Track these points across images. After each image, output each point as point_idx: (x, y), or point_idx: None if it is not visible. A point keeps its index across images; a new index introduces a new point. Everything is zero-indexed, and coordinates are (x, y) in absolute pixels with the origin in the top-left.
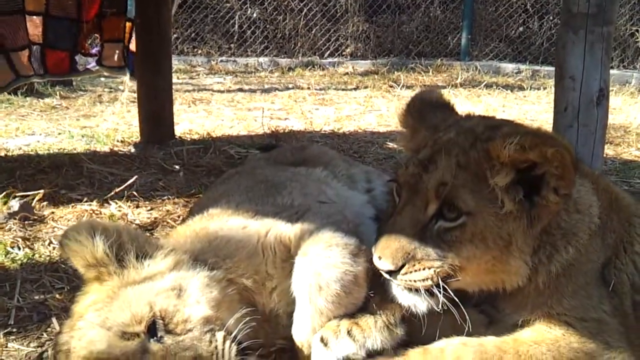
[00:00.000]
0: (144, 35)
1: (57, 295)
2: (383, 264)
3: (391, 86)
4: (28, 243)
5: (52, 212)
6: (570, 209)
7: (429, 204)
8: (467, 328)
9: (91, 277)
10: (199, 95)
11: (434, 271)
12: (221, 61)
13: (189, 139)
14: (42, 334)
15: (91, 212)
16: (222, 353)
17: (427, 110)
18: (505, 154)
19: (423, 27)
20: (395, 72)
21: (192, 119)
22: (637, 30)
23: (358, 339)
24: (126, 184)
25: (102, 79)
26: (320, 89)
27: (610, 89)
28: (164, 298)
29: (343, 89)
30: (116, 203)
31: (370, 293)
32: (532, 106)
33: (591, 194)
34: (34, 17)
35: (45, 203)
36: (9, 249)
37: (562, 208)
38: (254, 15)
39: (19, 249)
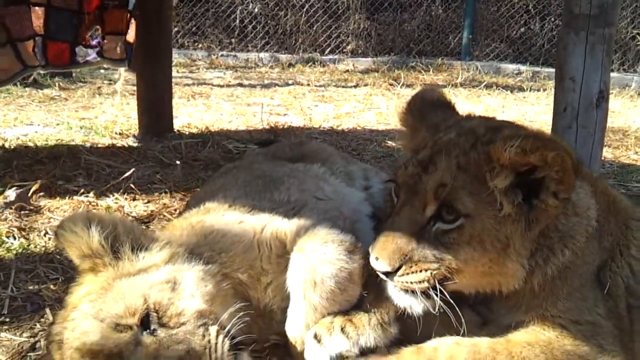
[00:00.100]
0: (144, 28)
1: (52, 286)
2: (380, 265)
3: (391, 84)
4: (24, 233)
5: (49, 203)
6: (568, 212)
7: (427, 205)
8: (462, 329)
9: (86, 268)
10: (198, 89)
11: (431, 273)
12: (221, 56)
13: (187, 133)
14: (36, 325)
15: (88, 203)
16: (215, 347)
17: (427, 110)
18: (506, 156)
19: (424, 25)
20: (396, 71)
21: (191, 113)
22: (638, 34)
23: (351, 336)
24: (123, 177)
25: (102, 70)
26: (320, 86)
27: (610, 92)
28: (158, 291)
29: (343, 86)
30: (113, 195)
31: (364, 292)
32: (531, 107)
33: (589, 197)
34: (37, 7)
35: (41, 194)
36: (4, 238)
37: (560, 211)
38: (255, 10)
39: (15, 238)
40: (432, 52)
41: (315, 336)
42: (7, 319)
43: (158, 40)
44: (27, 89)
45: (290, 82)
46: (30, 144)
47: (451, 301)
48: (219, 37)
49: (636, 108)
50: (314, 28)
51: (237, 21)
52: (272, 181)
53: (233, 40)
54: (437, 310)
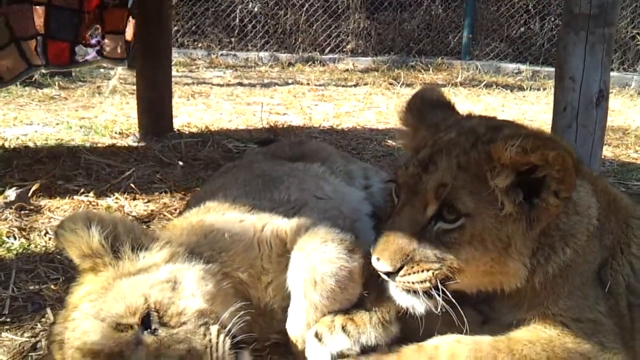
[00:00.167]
0: (144, 27)
1: (52, 286)
2: (381, 265)
3: (391, 84)
4: (24, 233)
5: (49, 203)
6: (569, 211)
7: (428, 205)
8: (464, 328)
9: (86, 268)
10: (198, 88)
11: (433, 273)
12: (221, 55)
13: (187, 132)
14: (37, 324)
15: (88, 203)
16: (216, 347)
17: (427, 109)
18: (507, 156)
19: (424, 25)
20: (396, 70)
21: (190, 112)
22: (638, 34)
23: (352, 334)
24: (123, 176)
25: (101, 70)
26: (320, 85)
27: (610, 91)
28: (158, 290)
29: (343, 86)
30: (113, 195)
31: (365, 292)
32: (531, 106)
33: (590, 196)
34: (38, 6)
35: (41, 193)
36: (4, 238)
37: (561, 210)
38: (255, 9)
39: (15, 238)
40: (432, 51)
41: (317, 335)
42: (8, 319)
43: (158, 39)
44: (26, 88)
45: (290, 81)
46: (30, 144)
47: (453, 300)
48: (219, 36)
49: (636, 107)
50: (314, 27)
51: (237, 20)
52: (272, 180)
53: (233, 39)
54: (439, 309)
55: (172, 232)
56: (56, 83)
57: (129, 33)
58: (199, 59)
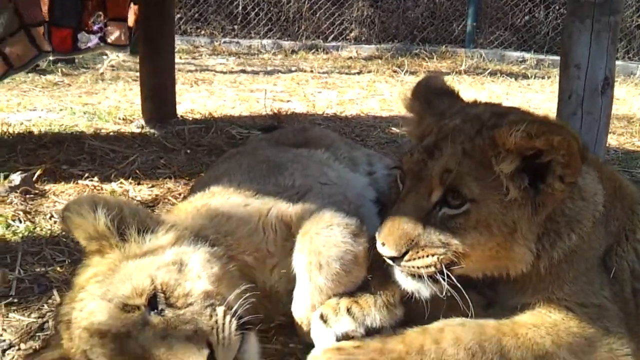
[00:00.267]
0: (147, 14)
1: (58, 268)
2: (386, 250)
3: (395, 71)
4: (29, 216)
5: (53, 187)
6: (575, 197)
7: (433, 191)
8: (469, 312)
9: (93, 250)
10: (201, 75)
11: (438, 258)
12: (224, 42)
13: (190, 119)
14: (43, 306)
15: (92, 188)
16: (222, 327)
17: (433, 96)
18: (512, 141)
19: (428, 13)
20: (399, 58)
21: (194, 99)
22: None
23: (357, 316)
24: (127, 161)
25: (104, 57)
26: (324, 73)
27: (615, 79)
28: (165, 272)
29: (346, 73)
30: (118, 180)
31: (369, 276)
32: (535, 95)
33: (596, 182)
34: None
35: (46, 178)
36: (10, 221)
37: (567, 196)
38: None
39: (20, 222)
40: (436, 39)
41: (322, 317)
42: (15, 300)
43: (161, 26)
44: (29, 74)
45: (293, 68)
46: (34, 129)
47: (458, 285)
48: (222, 23)
49: None
50: (317, 15)
51: (240, 8)
52: (276, 166)
53: (236, 26)
54: (444, 294)
55: (178, 215)
56: (59, 70)
57: (131, 19)
58: (202, 46)
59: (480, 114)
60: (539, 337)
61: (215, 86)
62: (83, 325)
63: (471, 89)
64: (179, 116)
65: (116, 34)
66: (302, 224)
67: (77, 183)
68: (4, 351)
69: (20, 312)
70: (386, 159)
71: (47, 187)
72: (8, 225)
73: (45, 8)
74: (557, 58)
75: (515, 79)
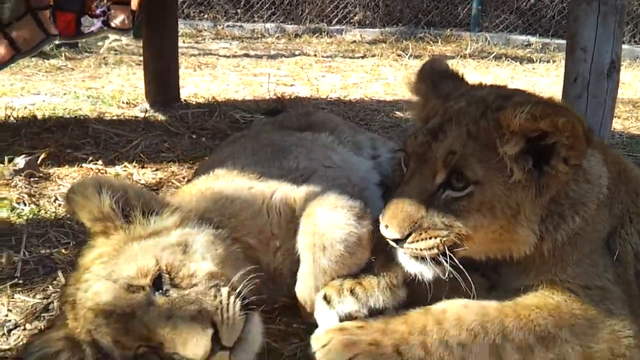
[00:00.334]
0: None
1: (63, 250)
2: (390, 232)
3: (399, 55)
4: (34, 199)
5: (58, 171)
6: (579, 179)
7: (437, 173)
8: (472, 294)
9: (97, 231)
10: (204, 59)
11: (440, 240)
12: (227, 26)
13: (194, 103)
14: (48, 287)
15: (97, 171)
16: (227, 308)
17: (439, 79)
18: (516, 122)
19: None
20: (404, 41)
21: (197, 83)
22: None
23: (361, 297)
24: (131, 145)
25: (107, 41)
26: (327, 57)
27: (621, 63)
28: (170, 253)
29: (350, 57)
30: (122, 163)
31: (372, 257)
32: (540, 79)
33: (601, 165)
34: None
35: (50, 161)
36: (15, 204)
37: (571, 178)
38: None
39: (25, 204)
40: (440, 23)
41: (325, 297)
42: (20, 281)
43: (164, 9)
44: (33, 59)
45: (296, 52)
46: (38, 113)
47: (461, 267)
48: (225, 7)
49: None
50: None
51: None
52: (281, 150)
53: (239, 10)
54: (446, 276)
55: (182, 198)
56: (63, 54)
57: (134, 3)
58: (205, 30)
59: (486, 96)
60: (542, 319)
61: (218, 70)
62: (88, 306)
63: (476, 73)
64: (182, 100)
65: (120, 17)
66: (306, 206)
67: (81, 166)
68: (9, 331)
69: (26, 293)
70: (390, 142)
71: (51, 171)
72: (13, 208)
73: None
74: (563, 42)
75: (521, 63)
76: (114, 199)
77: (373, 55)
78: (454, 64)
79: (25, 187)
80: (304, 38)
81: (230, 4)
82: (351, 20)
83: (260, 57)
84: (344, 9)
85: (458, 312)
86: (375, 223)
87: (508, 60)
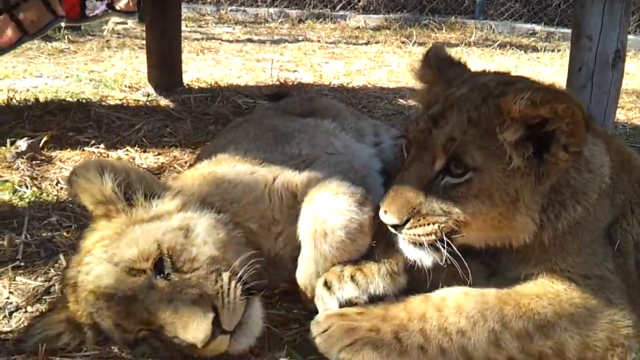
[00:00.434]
0: None
1: (65, 233)
2: (388, 218)
3: (403, 42)
4: (36, 182)
5: (60, 154)
6: (581, 168)
7: (436, 160)
8: (469, 281)
9: (99, 214)
10: (207, 44)
11: (438, 226)
12: (230, 10)
13: (196, 87)
14: (50, 270)
15: (99, 154)
16: (228, 292)
17: (444, 66)
18: (516, 109)
19: None
20: (408, 28)
21: (200, 68)
22: None
23: (361, 284)
24: (134, 129)
25: (110, 24)
26: (331, 43)
27: (626, 53)
28: (171, 237)
29: (354, 44)
30: (124, 147)
31: (373, 243)
32: (545, 68)
33: (604, 154)
34: None
35: (52, 144)
36: (17, 187)
37: (572, 166)
38: None
39: (27, 187)
40: (445, 10)
41: (326, 283)
42: (22, 264)
43: None
44: (36, 41)
45: (300, 38)
46: (40, 96)
47: (458, 253)
48: None
49: None
50: None
51: None
52: (283, 135)
53: None
54: (444, 262)
55: (184, 182)
56: (65, 36)
57: None
58: (208, 14)
59: (488, 82)
60: (541, 307)
61: (221, 55)
62: (89, 289)
63: (480, 61)
64: (185, 85)
65: (124, 0)
66: (308, 192)
67: (83, 150)
68: (11, 314)
69: (27, 276)
70: (393, 129)
71: (53, 154)
72: (15, 191)
73: None
74: (568, 31)
75: (525, 52)
76: (116, 182)
77: (377, 42)
78: (458, 52)
79: (28, 170)
80: (308, 23)
81: None
82: (355, 6)
83: (263, 42)
84: None
85: (458, 299)
86: (377, 210)
87: (513, 49)
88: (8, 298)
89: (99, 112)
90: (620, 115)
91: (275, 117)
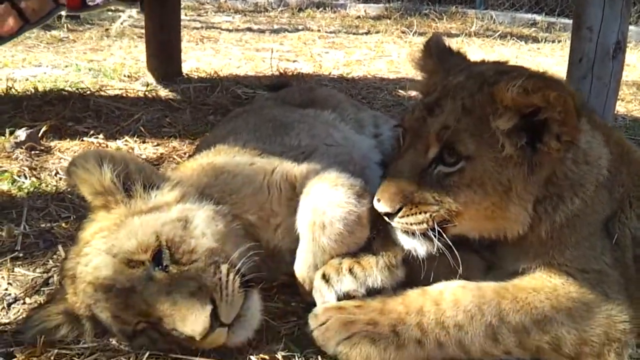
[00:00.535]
0: None
1: (63, 224)
2: (381, 206)
3: (403, 32)
4: (35, 172)
5: (59, 144)
6: (579, 160)
7: (429, 148)
8: (463, 272)
9: (98, 205)
10: (207, 33)
11: (430, 215)
12: None
13: (196, 77)
14: (48, 261)
15: (98, 145)
16: (226, 284)
17: (443, 55)
18: (509, 97)
19: None
20: (408, 18)
21: (199, 57)
22: None
23: (359, 276)
24: (133, 119)
25: (109, 13)
26: (331, 32)
27: (627, 44)
28: (170, 228)
29: (354, 33)
30: (123, 137)
31: (372, 235)
32: (545, 58)
33: (602, 146)
34: None
35: (51, 134)
36: (15, 177)
37: (569, 158)
38: None
39: (26, 177)
40: None
41: (324, 276)
42: (21, 255)
43: None
44: (34, 30)
45: (300, 27)
46: (39, 85)
47: (450, 243)
48: None
49: None
50: None
51: None
52: (283, 126)
53: None
54: (436, 251)
55: (183, 173)
56: (64, 25)
57: None
58: (208, 3)
59: (484, 71)
60: (538, 302)
61: (220, 44)
62: (88, 280)
63: (481, 52)
64: (184, 74)
65: None
66: (307, 183)
67: (82, 140)
68: (9, 305)
69: (26, 267)
70: (393, 121)
71: (52, 144)
72: (14, 181)
73: None
74: (569, 22)
75: (526, 42)
76: (115, 173)
77: (377, 32)
78: (459, 42)
79: (26, 160)
80: (308, 12)
81: None
82: None
83: (263, 31)
84: None
85: (455, 293)
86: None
87: (513, 39)
88: (6, 289)
89: (98, 102)
90: (620, 107)
91: (275, 107)
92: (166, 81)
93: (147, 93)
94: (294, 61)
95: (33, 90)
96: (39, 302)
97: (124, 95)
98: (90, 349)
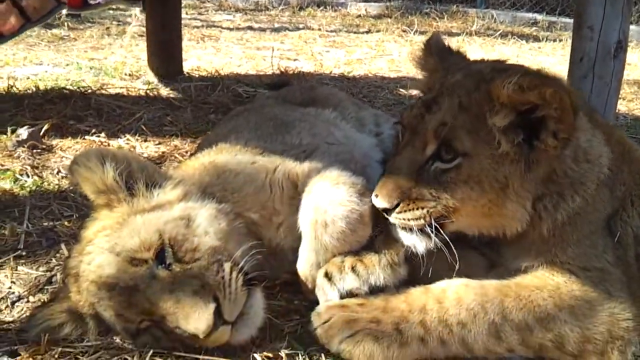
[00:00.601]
0: None
1: (66, 223)
2: (379, 202)
3: (404, 31)
4: (37, 171)
5: (60, 142)
6: (579, 158)
7: (427, 145)
8: (464, 269)
9: (101, 204)
10: (207, 31)
11: (427, 211)
12: None
13: (197, 76)
14: (51, 259)
15: (99, 143)
16: (229, 282)
17: (444, 53)
18: (505, 94)
19: None
20: (409, 17)
21: (200, 56)
22: None
23: (362, 275)
24: (134, 118)
25: (110, 11)
26: (332, 31)
27: (628, 43)
28: (173, 227)
29: (355, 32)
30: (124, 136)
31: (374, 233)
32: (546, 58)
33: (603, 145)
34: None
35: (53, 133)
36: (17, 176)
37: (570, 156)
38: None
39: (28, 176)
40: None
41: (327, 274)
42: (24, 253)
43: None
44: (35, 28)
45: (300, 26)
46: (40, 84)
47: (447, 239)
48: None
49: None
50: None
51: None
52: (284, 124)
53: None
54: (433, 247)
55: (185, 171)
56: (65, 24)
57: None
58: (208, 1)
59: (482, 69)
60: (541, 300)
61: (221, 43)
62: (91, 278)
63: (481, 51)
64: (185, 73)
65: None
66: (309, 182)
67: (84, 138)
68: (13, 303)
69: (29, 266)
70: (393, 119)
71: (54, 142)
72: (16, 180)
73: None
74: (570, 21)
75: (527, 41)
76: (118, 171)
77: (378, 31)
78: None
79: (28, 159)
80: (308, 11)
81: None
82: None
83: (263, 30)
84: None
85: (458, 291)
86: None
87: (514, 38)
88: (10, 288)
89: (99, 100)
90: (622, 107)
91: (276, 106)
92: (167, 80)
93: (148, 92)
94: (295, 60)
95: (34, 89)
96: (42, 300)
97: (125, 93)
98: (94, 347)
